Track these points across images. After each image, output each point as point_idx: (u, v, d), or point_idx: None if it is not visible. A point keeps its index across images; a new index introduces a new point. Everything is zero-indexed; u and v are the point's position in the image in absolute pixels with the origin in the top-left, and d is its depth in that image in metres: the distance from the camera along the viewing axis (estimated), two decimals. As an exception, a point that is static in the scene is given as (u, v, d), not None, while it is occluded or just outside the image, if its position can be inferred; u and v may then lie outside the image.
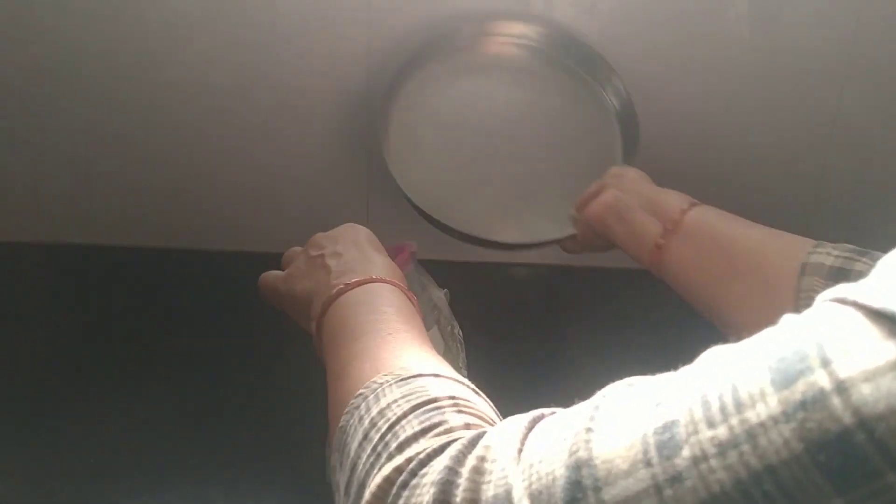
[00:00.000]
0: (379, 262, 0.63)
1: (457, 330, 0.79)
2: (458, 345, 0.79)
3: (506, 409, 0.85)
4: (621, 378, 0.38)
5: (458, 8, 0.90)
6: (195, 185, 1.01)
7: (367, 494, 0.40)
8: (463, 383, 0.47)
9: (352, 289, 0.58)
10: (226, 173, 1.01)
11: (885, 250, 0.63)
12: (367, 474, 0.41)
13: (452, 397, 0.43)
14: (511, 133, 0.90)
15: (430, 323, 0.76)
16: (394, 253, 0.76)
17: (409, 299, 0.59)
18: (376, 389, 0.45)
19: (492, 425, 0.43)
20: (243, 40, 0.94)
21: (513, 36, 0.91)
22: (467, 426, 0.41)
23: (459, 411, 0.43)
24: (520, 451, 0.36)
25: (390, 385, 0.45)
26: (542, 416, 0.39)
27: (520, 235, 0.83)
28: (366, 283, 0.58)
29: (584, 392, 0.42)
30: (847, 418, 0.27)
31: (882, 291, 0.29)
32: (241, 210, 1.02)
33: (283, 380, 0.85)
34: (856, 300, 0.30)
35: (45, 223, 1.03)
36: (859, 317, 0.29)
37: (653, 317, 0.97)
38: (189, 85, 0.96)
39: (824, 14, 0.91)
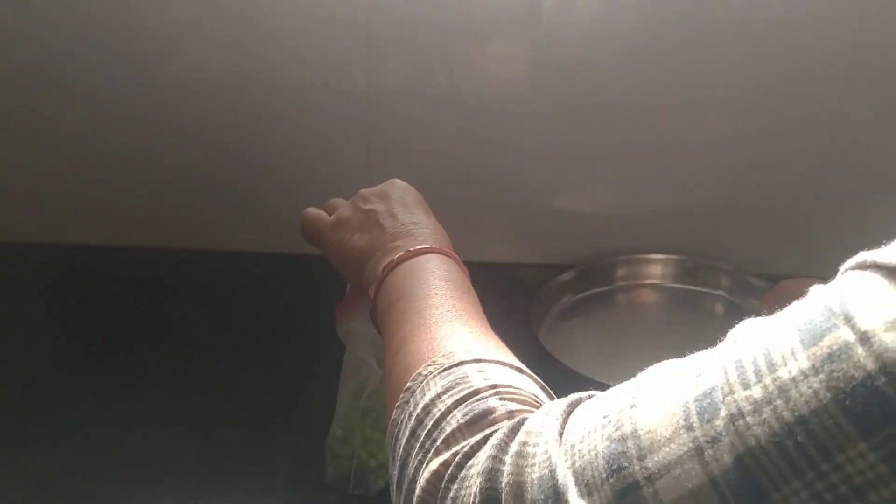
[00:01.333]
0: (432, 227, 0.63)
1: None
2: None
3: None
4: (624, 369, 0.39)
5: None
6: (195, 185, 1.01)
7: (417, 490, 0.41)
8: (505, 364, 0.47)
9: (412, 257, 0.58)
10: (226, 174, 1.01)
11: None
12: (417, 470, 0.42)
13: (493, 386, 0.44)
14: (656, 338, 0.92)
15: None
16: None
17: (461, 269, 0.60)
18: (422, 382, 0.46)
19: (536, 406, 0.44)
20: (243, 40, 0.94)
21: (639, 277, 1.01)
22: (510, 413, 0.42)
23: (501, 399, 0.43)
24: (560, 433, 0.38)
25: (434, 377, 0.46)
26: (579, 400, 0.40)
27: None
28: (424, 254, 0.59)
29: (586, 388, 0.42)
30: (870, 364, 0.29)
31: None
32: (240, 210, 1.02)
33: (283, 380, 0.85)
34: (875, 261, 0.32)
35: (45, 223, 1.03)
36: (877, 277, 0.31)
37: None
38: (189, 85, 0.96)
39: (825, 14, 0.90)
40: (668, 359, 0.38)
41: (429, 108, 0.97)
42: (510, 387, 0.45)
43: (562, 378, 0.82)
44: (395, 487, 0.45)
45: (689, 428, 0.32)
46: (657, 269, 1.00)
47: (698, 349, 0.74)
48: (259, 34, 0.93)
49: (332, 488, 0.72)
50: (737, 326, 0.36)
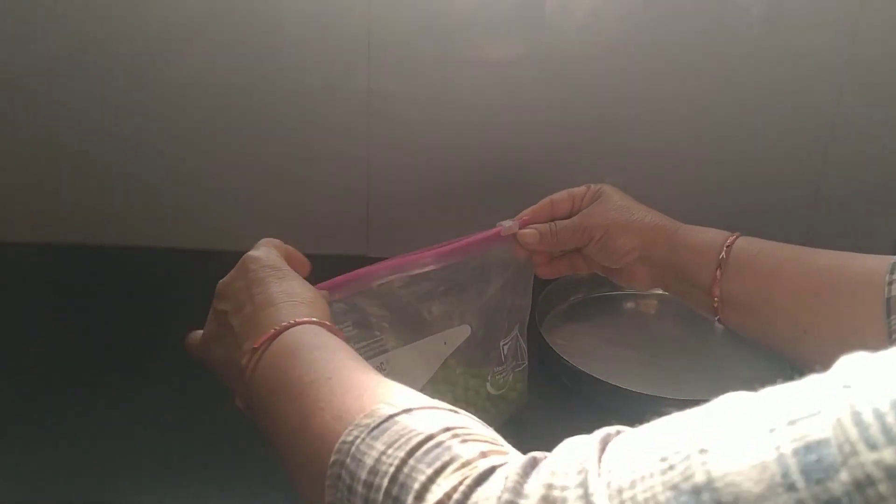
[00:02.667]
0: (283, 299, 0.55)
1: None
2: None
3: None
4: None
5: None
6: (195, 185, 1.01)
7: None
8: (442, 408, 0.42)
9: (262, 351, 0.52)
10: (226, 174, 1.01)
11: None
12: None
13: (447, 428, 0.38)
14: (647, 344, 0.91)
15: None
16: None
17: (329, 329, 0.54)
18: (350, 451, 0.40)
19: (502, 448, 0.39)
20: (244, 41, 0.94)
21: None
22: (483, 455, 0.37)
23: (464, 441, 0.38)
24: (598, 475, 0.32)
25: (363, 440, 0.40)
26: (609, 436, 0.35)
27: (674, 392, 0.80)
28: (275, 337, 0.52)
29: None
30: None
31: None
32: (241, 210, 1.02)
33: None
34: None
35: (45, 223, 1.03)
36: None
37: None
38: (189, 86, 0.96)
39: (824, 14, 0.91)
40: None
41: (429, 108, 0.97)
42: (465, 427, 0.39)
43: (562, 373, 0.82)
44: None
45: (790, 488, 0.27)
46: None
47: (693, 362, 0.72)
48: (259, 36, 0.93)
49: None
50: (840, 363, 0.30)
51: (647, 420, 0.35)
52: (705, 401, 0.32)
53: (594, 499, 0.31)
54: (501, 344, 0.74)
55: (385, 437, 0.39)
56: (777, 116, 0.96)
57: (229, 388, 0.58)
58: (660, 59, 0.94)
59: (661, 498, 0.30)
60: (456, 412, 0.41)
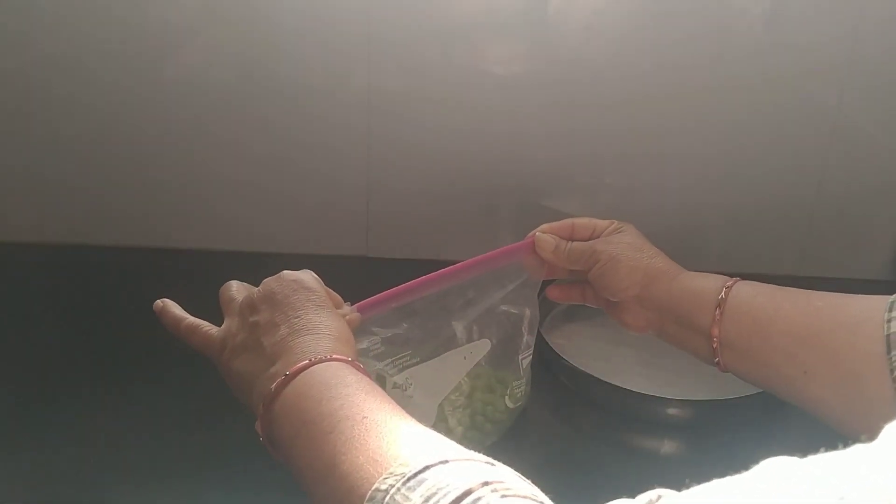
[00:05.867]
0: (320, 329, 0.56)
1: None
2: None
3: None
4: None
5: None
6: (195, 185, 1.01)
7: None
8: (479, 460, 0.42)
9: (292, 379, 0.51)
10: (226, 173, 1.01)
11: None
12: None
13: (486, 483, 0.38)
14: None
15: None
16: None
17: (355, 367, 0.54)
18: (384, 500, 0.39)
19: (538, 502, 0.38)
20: (244, 40, 0.94)
21: None
22: None
23: (503, 497, 0.37)
24: None
25: (399, 490, 0.39)
26: (651, 503, 0.34)
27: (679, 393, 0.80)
28: (308, 367, 0.52)
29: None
30: None
31: None
32: (241, 210, 1.02)
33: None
34: None
35: (45, 223, 1.03)
36: None
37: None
38: (189, 85, 0.96)
39: (825, 14, 0.91)
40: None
41: (429, 108, 0.97)
42: (502, 482, 0.39)
43: (562, 373, 0.82)
44: None
45: None
46: None
47: (693, 362, 0.72)
48: (259, 36, 0.93)
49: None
50: (886, 430, 0.30)
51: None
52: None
53: None
54: (520, 357, 0.75)
55: (422, 490, 0.39)
56: (778, 116, 0.96)
57: (244, 405, 0.57)
58: (661, 60, 0.94)
59: None
60: (493, 464, 0.41)
